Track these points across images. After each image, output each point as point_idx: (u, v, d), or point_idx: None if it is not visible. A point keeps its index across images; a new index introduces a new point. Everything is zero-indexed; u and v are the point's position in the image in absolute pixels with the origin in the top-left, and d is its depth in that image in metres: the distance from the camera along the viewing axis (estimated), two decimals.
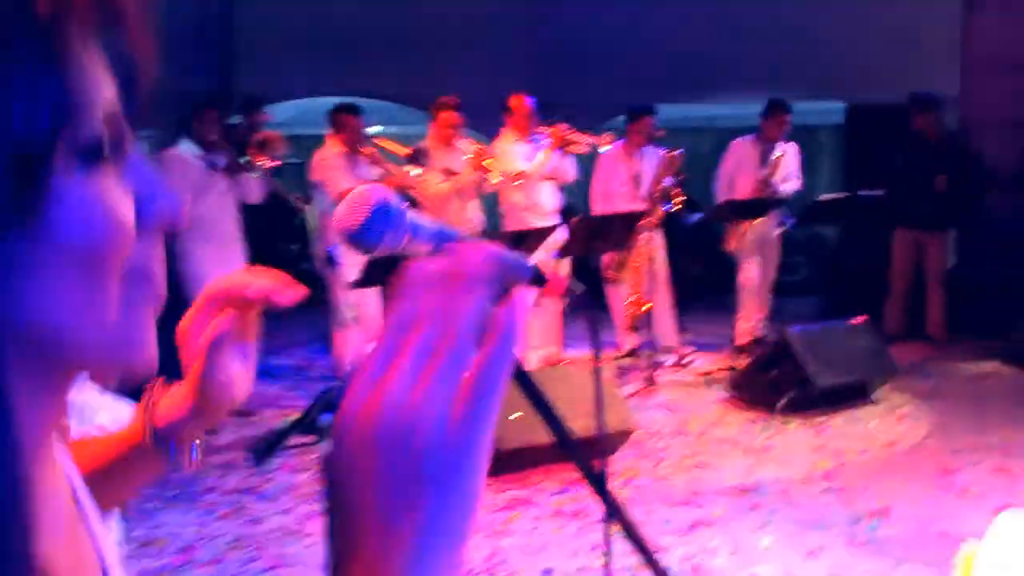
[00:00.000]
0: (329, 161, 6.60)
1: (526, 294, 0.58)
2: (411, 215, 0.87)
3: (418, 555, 0.51)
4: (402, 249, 0.88)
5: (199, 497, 5.13)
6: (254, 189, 6.40)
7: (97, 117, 0.52)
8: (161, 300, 0.60)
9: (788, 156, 7.93)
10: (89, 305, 0.52)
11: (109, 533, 0.78)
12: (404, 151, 6.58)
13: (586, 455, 1.05)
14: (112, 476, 0.91)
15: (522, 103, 7.27)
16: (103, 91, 0.52)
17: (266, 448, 3.06)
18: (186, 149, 6.27)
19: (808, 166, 8.66)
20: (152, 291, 0.58)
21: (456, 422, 0.53)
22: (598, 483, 1.01)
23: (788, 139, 7.99)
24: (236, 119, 7.90)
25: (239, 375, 0.93)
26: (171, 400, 0.93)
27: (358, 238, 0.87)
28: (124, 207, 0.54)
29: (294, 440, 5.53)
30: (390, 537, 0.51)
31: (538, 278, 0.98)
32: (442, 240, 0.89)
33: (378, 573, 0.51)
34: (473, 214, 6.65)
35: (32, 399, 0.52)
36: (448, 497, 0.52)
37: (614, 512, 1.03)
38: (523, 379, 0.99)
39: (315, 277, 6.58)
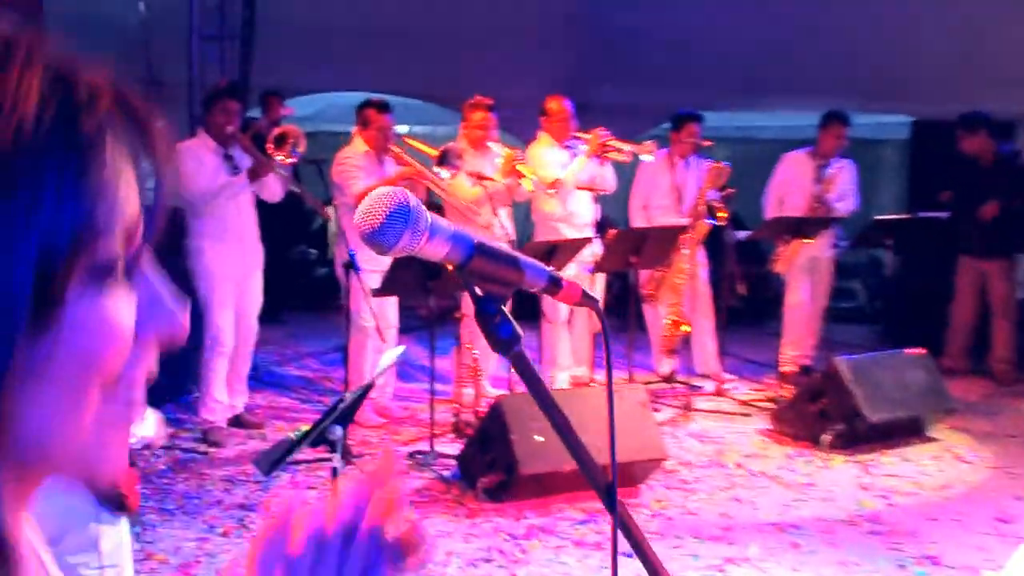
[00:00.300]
0: (352, 160, 6.67)
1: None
2: (430, 217, 0.97)
3: None
4: (419, 250, 0.98)
5: (201, 511, 5.24)
6: (273, 187, 6.50)
7: (117, 238, 0.60)
8: (183, 334, 0.68)
9: (844, 172, 7.96)
10: (74, 411, 0.60)
11: (116, 532, 0.87)
12: (433, 152, 6.65)
13: (607, 482, 1.14)
14: None
15: (560, 105, 7.36)
16: (128, 209, 0.61)
17: (273, 461, 3.16)
18: (202, 142, 6.39)
19: (868, 184, 8.69)
20: (133, 414, 0.65)
21: None
22: (616, 511, 1.09)
23: (845, 154, 8.02)
24: (255, 113, 8.05)
25: None
26: None
27: (376, 239, 0.97)
28: (127, 320, 0.62)
29: (303, 454, 5.66)
30: None
31: (554, 283, 1.07)
32: (459, 242, 0.98)
33: None
34: (504, 222, 6.72)
35: (7, 493, 0.60)
36: None
37: (631, 542, 1.11)
38: (545, 401, 1.08)
39: (332, 283, 6.70)
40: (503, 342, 1.01)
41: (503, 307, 1.01)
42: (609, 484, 1.03)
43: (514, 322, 1.01)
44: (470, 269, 0.98)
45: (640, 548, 1.04)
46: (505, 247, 1.02)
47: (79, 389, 0.60)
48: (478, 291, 1.00)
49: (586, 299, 1.06)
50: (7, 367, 0.56)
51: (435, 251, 0.97)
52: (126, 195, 0.61)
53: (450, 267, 0.99)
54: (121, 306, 0.62)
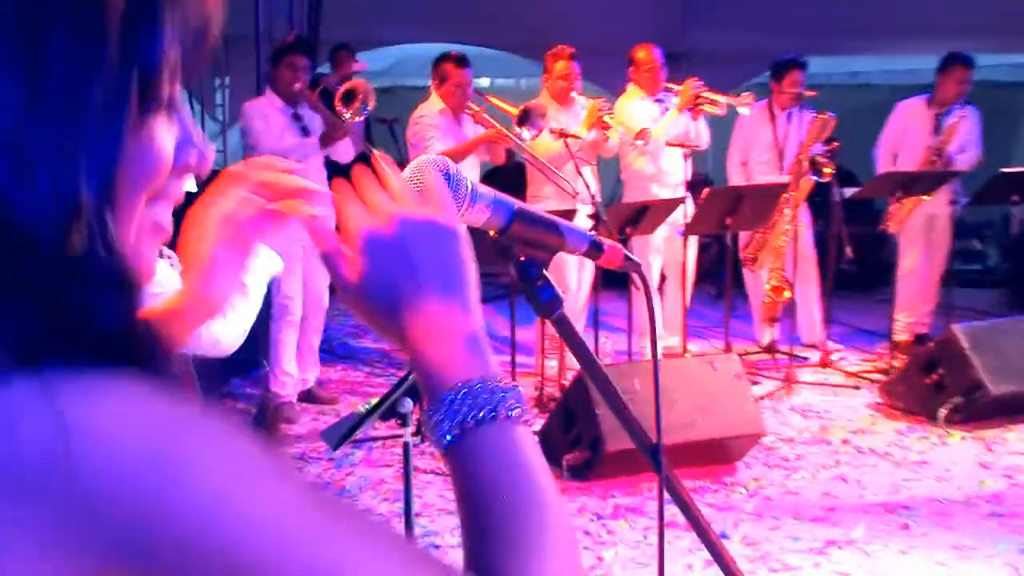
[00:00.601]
0: (428, 119, 6.74)
1: None
2: (470, 183, 1.06)
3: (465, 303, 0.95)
4: (461, 217, 1.07)
5: None
6: (344, 147, 6.62)
7: (169, 74, 0.77)
8: (208, 167, 0.86)
9: (966, 122, 7.84)
10: (129, 214, 0.76)
11: None
12: (514, 111, 6.69)
13: (664, 458, 1.22)
14: None
15: (649, 54, 7.38)
16: (176, 48, 0.77)
17: (341, 435, 3.28)
18: (269, 101, 6.54)
19: (996, 134, 8.53)
20: (161, 231, 0.82)
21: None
22: (670, 486, 1.17)
23: (968, 101, 7.90)
24: (324, 69, 8.19)
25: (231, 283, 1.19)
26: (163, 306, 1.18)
27: None
28: (170, 147, 0.79)
29: (378, 430, 5.84)
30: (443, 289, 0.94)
31: (595, 247, 1.16)
32: (499, 207, 1.08)
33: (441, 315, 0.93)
34: (589, 180, 6.78)
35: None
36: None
37: (679, 503, 1.20)
38: (589, 364, 1.17)
39: None
40: (545, 305, 1.10)
41: (544, 271, 1.10)
42: (655, 446, 1.11)
43: (556, 286, 1.10)
44: (511, 234, 1.07)
45: (688, 510, 1.13)
46: (544, 212, 1.11)
47: (135, 198, 0.76)
48: (520, 256, 1.10)
49: (628, 263, 1.15)
50: (118, 162, 0.73)
51: (476, 217, 1.07)
52: (173, 36, 0.77)
53: (492, 232, 1.08)
54: (167, 134, 0.78)
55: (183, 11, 0.77)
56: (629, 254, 1.14)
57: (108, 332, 0.70)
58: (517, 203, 1.07)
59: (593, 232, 1.12)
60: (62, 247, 0.69)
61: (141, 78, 0.74)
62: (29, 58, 0.69)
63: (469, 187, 1.05)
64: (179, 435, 0.68)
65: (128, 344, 0.71)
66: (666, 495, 1.21)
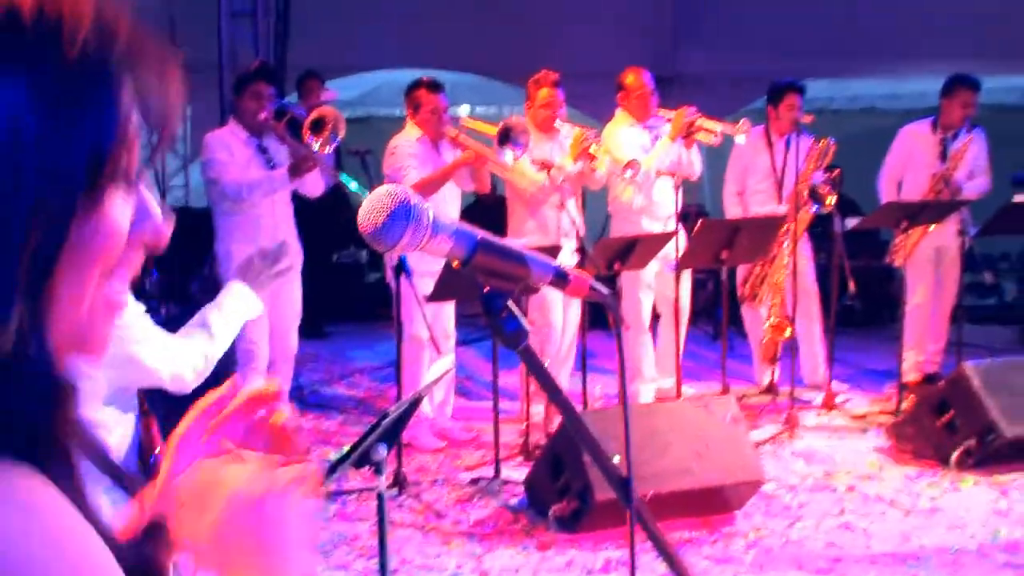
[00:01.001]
0: (404, 148, 6.79)
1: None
2: (431, 214, 1.13)
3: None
4: (423, 248, 1.14)
5: None
6: (314, 179, 6.67)
7: (130, 147, 0.83)
8: (164, 241, 0.92)
9: (973, 146, 7.94)
10: (79, 292, 0.82)
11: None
12: (494, 131, 6.72)
13: (623, 478, 1.29)
14: None
15: (639, 79, 7.46)
16: (132, 123, 0.83)
17: None
18: (232, 131, 6.60)
19: (1006, 160, 8.62)
20: (116, 306, 0.88)
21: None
22: (632, 505, 1.23)
23: (975, 125, 8.00)
24: (292, 98, 8.27)
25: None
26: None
27: (378, 238, 1.14)
28: (126, 222, 0.85)
29: (352, 482, 5.87)
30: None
31: (560, 277, 1.23)
32: (462, 238, 1.14)
33: None
34: (573, 213, 6.85)
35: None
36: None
37: (650, 537, 1.25)
38: (555, 396, 1.24)
39: (385, 290, 6.86)
40: (510, 337, 1.17)
41: (509, 302, 1.16)
42: (625, 479, 1.18)
43: (521, 317, 1.17)
44: (475, 264, 1.14)
45: (659, 543, 1.19)
46: (510, 242, 1.18)
47: (86, 273, 0.82)
48: (484, 287, 1.16)
49: (594, 292, 1.21)
50: (62, 243, 0.79)
51: (438, 248, 1.14)
52: (133, 110, 0.84)
53: (455, 264, 1.15)
54: (124, 209, 0.85)
55: (142, 82, 0.83)
56: (595, 284, 1.21)
57: (13, 426, 0.77)
58: (480, 233, 1.14)
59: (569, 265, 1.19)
60: None
61: (94, 150, 0.80)
62: None
63: (430, 218, 1.12)
64: (19, 543, 0.75)
65: (32, 439, 0.78)
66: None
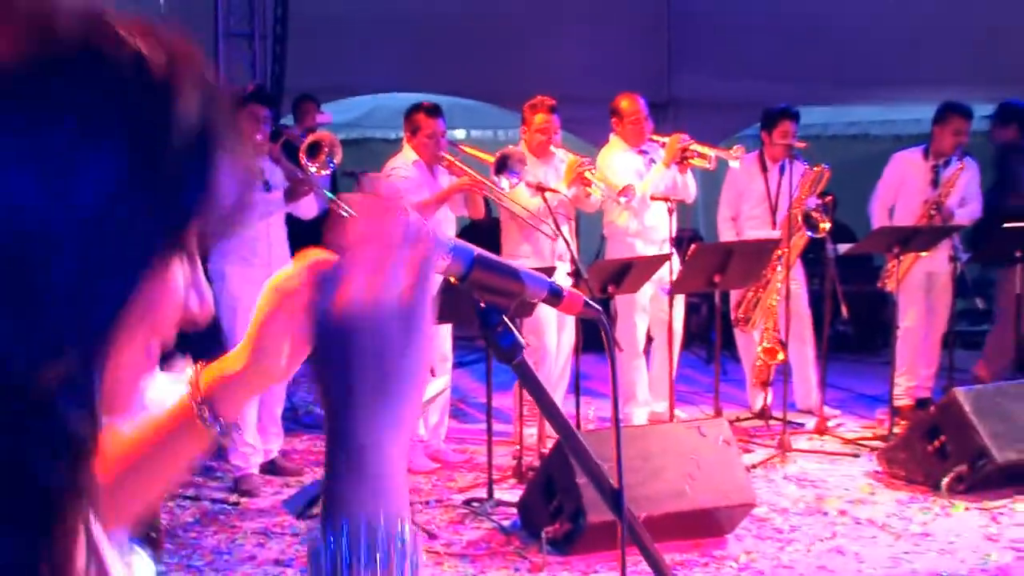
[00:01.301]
0: (401, 171, 6.87)
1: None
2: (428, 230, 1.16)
3: (399, 395, 0.96)
4: None
5: (232, 568, 5.44)
6: (308, 202, 6.71)
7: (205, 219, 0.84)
8: (207, 316, 0.92)
9: (965, 173, 7.99)
10: (122, 351, 0.81)
11: (142, 563, 1.08)
12: (490, 158, 6.79)
13: (615, 490, 1.32)
14: (161, 455, 1.22)
15: (634, 104, 7.53)
16: (214, 196, 0.84)
17: (305, 502, 3.35)
18: None
19: (998, 186, 8.66)
20: (148, 369, 0.88)
21: (404, 306, 0.95)
22: (623, 517, 1.26)
23: (967, 152, 8.06)
24: (288, 120, 8.31)
25: (291, 345, 1.24)
26: (221, 366, 1.25)
27: None
28: (181, 290, 0.86)
29: None
30: (378, 384, 0.95)
31: (554, 293, 1.26)
32: (459, 254, 1.17)
33: (373, 412, 0.96)
34: (567, 237, 6.90)
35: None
36: (408, 354, 0.96)
37: (642, 550, 1.28)
38: (550, 412, 1.27)
39: None
40: (505, 351, 1.20)
41: (504, 318, 1.20)
42: (616, 491, 1.20)
43: (517, 332, 1.20)
44: (471, 280, 1.17)
45: (650, 557, 1.21)
46: (506, 260, 1.21)
47: (136, 332, 0.82)
48: (481, 303, 1.19)
49: (588, 309, 1.25)
50: (132, 296, 0.79)
51: (437, 264, 1.17)
52: (217, 185, 0.84)
53: (453, 280, 1.18)
54: (179, 276, 0.85)
55: (234, 161, 0.84)
56: (589, 301, 1.24)
57: (22, 491, 0.75)
58: (476, 250, 1.17)
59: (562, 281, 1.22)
60: (29, 389, 0.75)
61: (181, 221, 0.81)
62: (67, 182, 0.75)
63: None
64: None
65: (46, 504, 0.76)
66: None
